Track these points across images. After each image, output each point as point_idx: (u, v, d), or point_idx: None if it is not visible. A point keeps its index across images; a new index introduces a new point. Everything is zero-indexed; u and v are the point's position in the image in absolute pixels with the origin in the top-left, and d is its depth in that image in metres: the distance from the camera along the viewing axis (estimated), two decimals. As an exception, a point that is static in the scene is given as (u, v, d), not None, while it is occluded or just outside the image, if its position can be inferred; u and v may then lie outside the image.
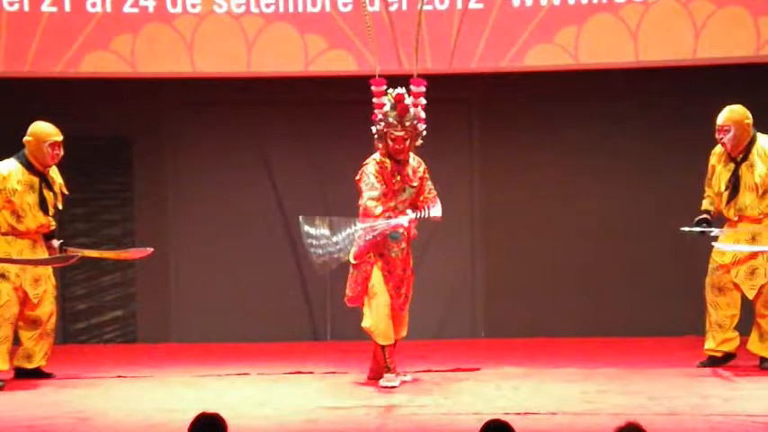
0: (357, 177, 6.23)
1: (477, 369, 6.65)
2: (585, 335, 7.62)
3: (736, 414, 5.36)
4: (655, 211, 7.58)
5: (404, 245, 6.24)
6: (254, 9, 7.31)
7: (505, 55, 7.30)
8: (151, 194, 8.02)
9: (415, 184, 6.21)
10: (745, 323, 6.51)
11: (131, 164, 8.02)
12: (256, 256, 7.97)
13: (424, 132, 6.23)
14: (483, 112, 7.93)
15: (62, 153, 6.47)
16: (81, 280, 7.97)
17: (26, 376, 6.49)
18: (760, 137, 6.45)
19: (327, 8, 7.29)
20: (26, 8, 7.29)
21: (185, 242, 8.02)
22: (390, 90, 6.20)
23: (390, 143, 6.15)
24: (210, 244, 7.99)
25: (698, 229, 6.39)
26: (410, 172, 6.21)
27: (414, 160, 6.26)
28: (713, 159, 6.54)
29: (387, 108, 6.18)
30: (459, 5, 7.20)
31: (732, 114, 6.37)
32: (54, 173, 6.55)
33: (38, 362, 6.50)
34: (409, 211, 6.15)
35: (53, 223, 6.51)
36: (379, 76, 6.29)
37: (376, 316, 6.12)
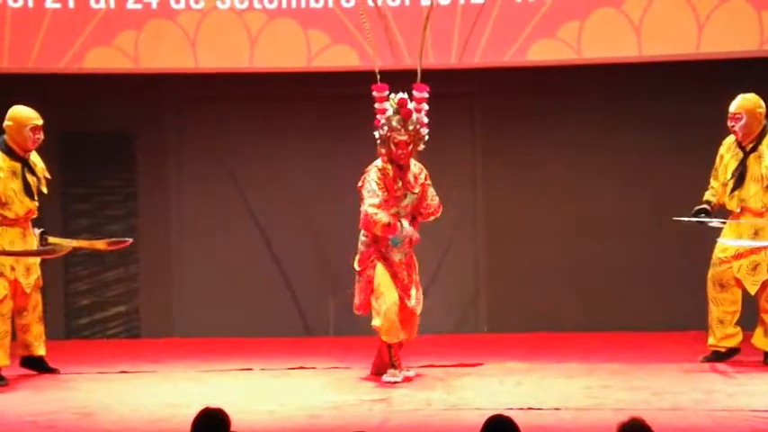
0: (359, 184, 6.25)
1: (480, 364, 6.65)
2: (588, 330, 7.62)
3: (741, 409, 5.36)
4: (658, 206, 7.56)
5: (407, 249, 6.24)
6: (256, 5, 7.30)
7: (508, 50, 7.29)
8: (154, 190, 8.02)
9: (417, 190, 6.23)
10: (748, 318, 6.50)
11: (134, 159, 8.02)
12: (259, 252, 7.97)
13: (426, 137, 6.25)
14: (485, 107, 7.93)
15: (42, 137, 6.41)
16: (84, 276, 7.98)
17: (31, 365, 6.46)
18: None
19: (330, 4, 7.28)
20: (30, 4, 7.30)
21: (188, 237, 8.02)
22: (393, 95, 6.21)
23: (393, 148, 6.17)
24: (214, 239, 7.99)
25: (691, 218, 6.36)
26: (411, 178, 6.22)
27: (415, 167, 6.27)
28: (722, 149, 6.52)
29: (389, 113, 6.18)
30: (462, 1, 7.19)
31: (745, 102, 6.36)
32: (35, 157, 6.46)
33: (37, 350, 6.46)
34: (406, 222, 6.15)
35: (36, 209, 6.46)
36: (381, 71, 6.28)
37: (383, 313, 6.12)
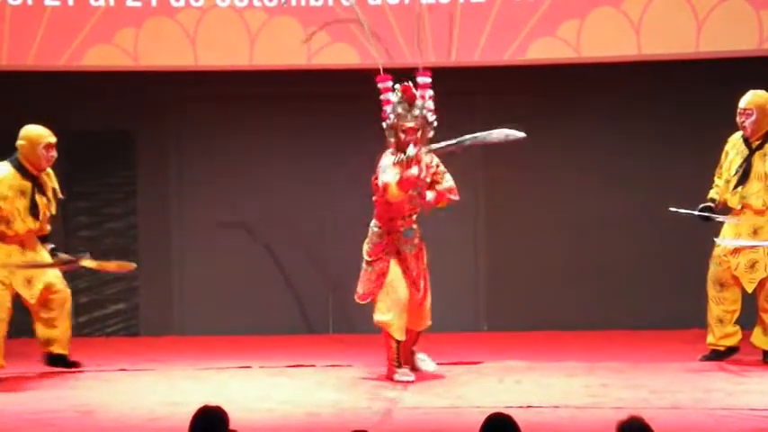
0: (374, 178, 6.20)
1: (480, 363, 6.65)
2: (588, 328, 7.62)
3: (740, 408, 5.36)
4: (658, 204, 7.55)
5: (416, 241, 6.25)
6: (256, 2, 7.30)
7: (507, 48, 7.29)
8: (154, 188, 8.02)
9: (428, 179, 6.22)
10: (748, 317, 6.50)
11: (135, 157, 8.02)
12: (259, 250, 7.97)
13: (435, 123, 6.22)
14: (485, 106, 7.92)
15: (56, 155, 6.42)
16: (83, 273, 7.96)
17: (56, 363, 6.45)
18: None
19: (330, 2, 7.28)
20: (29, 2, 7.29)
21: (188, 235, 8.02)
22: (396, 85, 6.20)
23: (402, 136, 6.13)
24: (213, 237, 7.99)
25: (689, 211, 6.36)
26: (423, 168, 6.21)
27: (426, 156, 6.25)
28: (728, 146, 6.51)
29: (395, 100, 6.17)
30: (462, -1, 7.20)
31: (755, 98, 6.36)
32: (48, 177, 6.47)
33: (61, 349, 6.45)
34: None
35: (47, 228, 6.46)
36: (383, 70, 6.28)
37: (395, 311, 6.12)
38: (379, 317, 6.18)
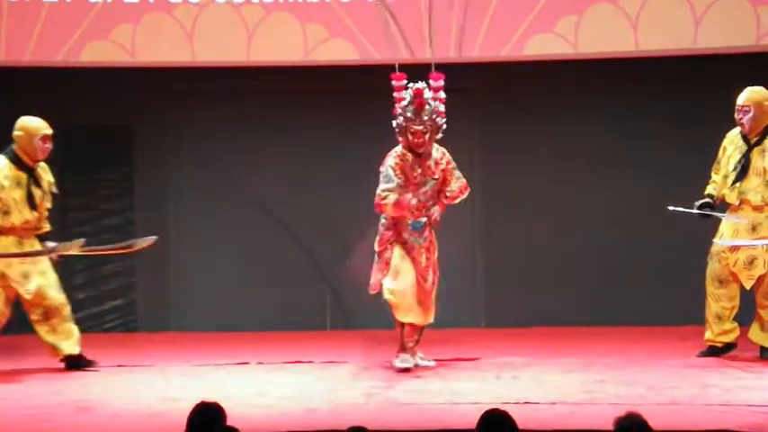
0: (380, 169, 6.30)
1: (477, 358, 6.65)
2: (585, 324, 7.62)
3: (737, 404, 5.36)
4: (656, 201, 7.56)
5: (426, 233, 6.28)
6: (254, -2, 7.31)
7: (505, 44, 7.29)
8: (152, 184, 8.01)
9: (437, 176, 6.28)
10: (745, 313, 6.51)
11: (132, 154, 8.01)
12: (257, 246, 7.96)
13: (444, 126, 6.27)
14: (484, 101, 7.92)
15: (51, 147, 6.42)
16: (81, 269, 7.97)
17: (72, 365, 6.41)
18: None
19: (327, -2, 7.28)
20: (27, -2, 7.29)
21: (186, 231, 8.02)
22: (411, 84, 6.23)
23: (410, 137, 6.22)
24: (211, 234, 7.99)
25: (686, 210, 6.36)
26: (432, 164, 6.27)
27: (437, 152, 6.32)
28: (725, 142, 6.51)
29: (405, 102, 6.20)
30: (461, -5, 7.20)
31: (753, 95, 6.36)
32: (43, 170, 6.48)
33: (69, 349, 6.43)
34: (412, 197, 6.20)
35: (46, 225, 6.45)
36: (400, 67, 6.30)
37: (401, 290, 6.17)
38: (384, 294, 6.23)
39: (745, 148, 6.42)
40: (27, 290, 6.34)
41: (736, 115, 6.41)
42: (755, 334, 6.47)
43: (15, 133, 6.39)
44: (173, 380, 6.20)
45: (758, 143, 6.39)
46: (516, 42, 7.27)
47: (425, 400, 5.61)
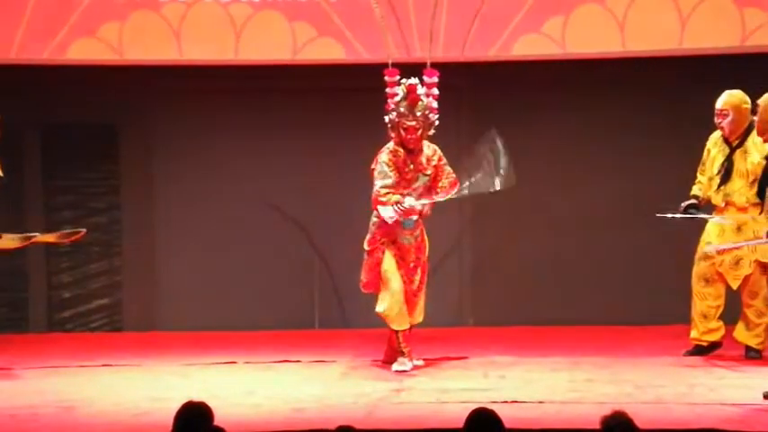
0: (372, 166, 6.27)
1: (465, 357, 6.66)
2: (573, 324, 7.64)
3: (723, 403, 5.39)
4: (643, 200, 7.58)
5: (417, 232, 6.28)
6: (242, -4, 7.29)
7: (493, 44, 7.30)
8: (138, 183, 7.99)
9: (429, 171, 6.29)
10: (731, 312, 6.53)
11: (118, 152, 7.98)
12: (243, 245, 7.95)
13: (437, 122, 6.27)
14: (472, 101, 7.93)
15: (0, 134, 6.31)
16: (67, 268, 7.94)
17: None
18: None
19: (315, -4, 7.27)
20: (13, -6, 7.26)
21: (172, 230, 7.99)
22: (404, 80, 6.23)
23: (402, 133, 6.22)
24: (197, 232, 7.97)
25: (674, 215, 6.40)
26: (424, 160, 6.28)
27: (428, 148, 6.32)
28: (709, 144, 6.54)
29: (399, 98, 6.21)
30: (449, -6, 7.20)
31: (731, 98, 6.38)
32: None
33: None
34: (411, 199, 6.16)
35: None
36: (393, 64, 6.30)
37: (390, 301, 6.16)
38: (377, 308, 6.25)
39: (727, 150, 6.46)
40: None
41: (715, 119, 6.44)
42: (741, 333, 6.50)
43: None
44: (159, 379, 6.18)
45: (740, 145, 6.42)
46: (504, 42, 7.28)
47: (413, 399, 5.61)
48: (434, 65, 6.48)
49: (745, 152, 6.40)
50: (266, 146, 7.97)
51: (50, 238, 6.59)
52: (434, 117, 6.28)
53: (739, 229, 6.39)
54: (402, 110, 6.20)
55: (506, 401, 5.38)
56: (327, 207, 7.89)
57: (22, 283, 7.88)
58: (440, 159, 6.33)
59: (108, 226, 7.96)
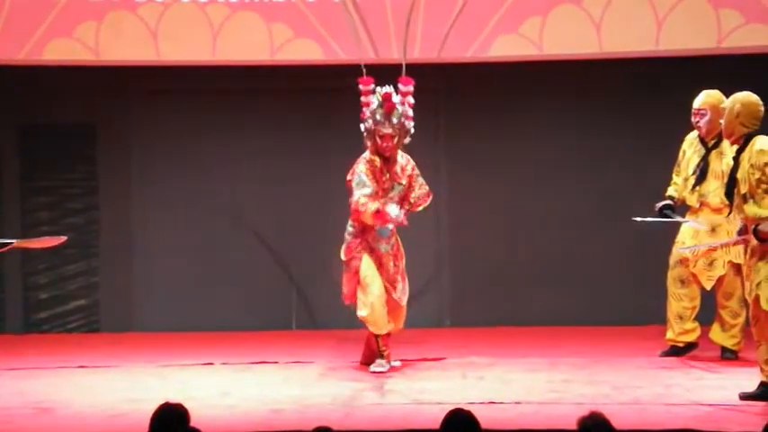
0: (348, 177, 6.28)
1: (443, 358, 6.67)
2: (551, 324, 7.66)
3: (699, 403, 5.41)
4: (620, 201, 7.62)
5: (393, 240, 6.29)
6: (219, -3, 7.28)
7: (471, 45, 7.31)
8: (116, 183, 7.95)
9: (404, 181, 6.30)
10: (706, 314, 6.57)
11: (96, 152, 7.95)
12: (221, 246, 7.93)
13: (413, 130, 6.28)
14: (450, 102, 7.94)
15: None
16: (43, 269, 7.90)
17: None
18: None
19: (293, -3, 7.27)
20: (-13, -5, 7.21)
21: (150, 231, 7.96)
22: (378, 88, 6.23)
23: (378, 141, 6.21)
24: (175, 233, 7.94)
25: (651, 219, 6.43)
26: (399, 170, 6.29)
27: (402, 158, 6.33)
28: (685, 145, 6.57)
29: (374, 106, 6.21)
30: (426, -5, 7.21)
31: (708, 98, 6.41)
32: None
33: None
34: (395, 206, 6.19)
35: None
36: (366, 67, 6.29)
37: (370, 305, 6.17)
38: (358, 312, 6.25)
39: (703, 151, 6.49)
40: None
41: (692, 119, 6.47)
42: (716, 334, 6.53)
43: None
44: (136, 381, 6.15)
45: (716, 146, 6.46)
46: (482, 43, 7.29)
47: (391, 400, 5.61)
48: (412, 66, 6.48)
49: (721, 153, 6.43)
50: (245, 147, 7.96)
51: (30, 243, 6.53)
52: (410, 125, 6.29)
53: (713, 230, 6.43)
54: (378, 118, 6.20)
55: (484, 402, 5.39)
56: (306, 207, 7.88)
57: (-3, 284, 7.84)
58: (413, 169, 6.35)
59: (85, 227, 7.92)
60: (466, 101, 7.92)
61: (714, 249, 6.36)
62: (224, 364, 6.60)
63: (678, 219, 6.49)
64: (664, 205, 6.52)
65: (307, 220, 7.86)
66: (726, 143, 6.42)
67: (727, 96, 5.64)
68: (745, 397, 5.43)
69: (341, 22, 7.11)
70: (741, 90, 5.52)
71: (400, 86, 6.31)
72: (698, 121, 6.46)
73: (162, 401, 3.76)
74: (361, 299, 6.22)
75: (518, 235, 7.90)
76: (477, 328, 7.68)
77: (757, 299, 5.27)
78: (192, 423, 3.72)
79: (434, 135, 7.91)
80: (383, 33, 7.21)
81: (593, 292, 7.81)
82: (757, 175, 5.25)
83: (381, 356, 6.22)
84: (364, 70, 6.32)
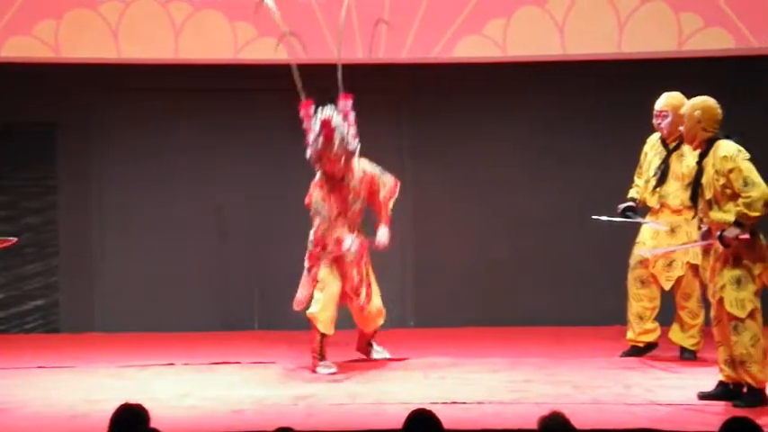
0: (306, 201, 6.31)
1: (405, 359, 6.67)
2: (512, 325, 7.69)
3: (659, 403, 5.46)
4: (580, 202, 7.67)
5: (354, 249, 6.29)
6: (181, -5, 7.23)
7: (435, 46, 7.32)
8: (75, 182, 7.88)
9: (362, 195, 6.30)
10: (666, 314, 6.63)
11: (56, 151, 7.87)
12: (181, 246, 7.88)
13: (358, 148, 6.25)
14: (412, 103, 7.95)
15: None
16: (1, 269, 7.80)
17: None
18: None
19: (256, -4, 7.23)
20: (-55, -8, 7.12)
21: (109, 231, 7.90)
22: (319, 112, 6.18)
23: (326, 164, 6.18)
24: (136, 233, 7.89)
25: (610, 219, 6.48)
26: (356, 184, 6.28)
27: (358, 169, 6.29)
28: (646, 147, 6.63)
29: (315, 132, 6.18)
30: (389, -5, 7.21)
31: (671, 100, 6.47)
32: None
33: None
34: (351, 236, 6.19)
35: None
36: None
37: (323, 304, 6.17)
38: (309, 309, 6.25)
39: (664, 153, 6.55)
40: None
41: (654, 120, 6.53)
42: (675, 335, 6.59)
43: None
44: (96, 381, 6.10)
45: (677, 148, 6.51)
46: (446, 44, 7.31)
47: (353, 400, 5.61)
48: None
49: (682, 155, 6.49)
50: (207, 147, 7.91)
51: None
52: (355, 144, 6.24)
53: (673, 231, 6.48)
54: (320, 145, 6.16)
55: (446, 402, 5.39)
56: (268, 208, 7.85)
57: (-46, 284, 7.74)
58: (372, 176, 6.33)
59: (43, 226, 7.84)
60: (428, 102, 7.93)
61: (674, 251, 6.41)
62: (185, 364, 6.56)
63: (638, 219, 6.54)
64: (626, 207, 6.57)
65: (270, 219, 7.83)
66: (686, 146, 6.49)
67: (689, 98, 5.69)
68: (703, 396, 5.48)
69: (305, 21, 7.09)
70: (701, 92, 5.58)
71: (339, 105, 6.26)
72: (659, 123, 6.52)
73: (122, 402, 3.73)
74: (315, 297, 6.21)
75: (481, 236, 7.92)
76: (440, 329, 7.69)
77: (721, 300, 5.32)
78: (153, 424, 3.69)
79: (398, 137, 7.91)
80: (346, 33, 7.20)
81: (556, 293, 7.85)
82: (722, 182, 5.30)
83: (322, 358, 6.21)
84: (302, 96, 6.26)
